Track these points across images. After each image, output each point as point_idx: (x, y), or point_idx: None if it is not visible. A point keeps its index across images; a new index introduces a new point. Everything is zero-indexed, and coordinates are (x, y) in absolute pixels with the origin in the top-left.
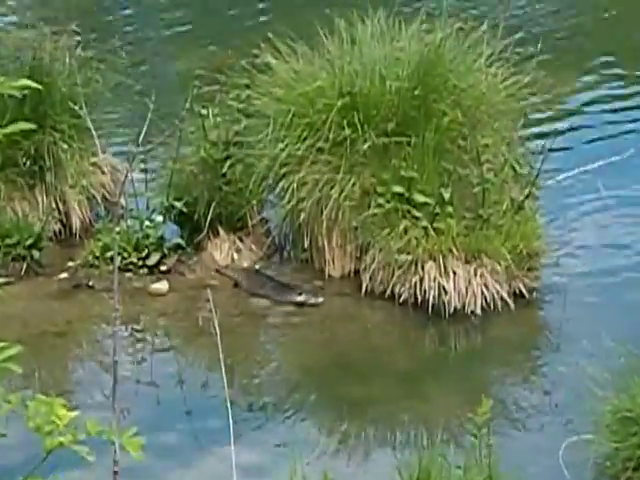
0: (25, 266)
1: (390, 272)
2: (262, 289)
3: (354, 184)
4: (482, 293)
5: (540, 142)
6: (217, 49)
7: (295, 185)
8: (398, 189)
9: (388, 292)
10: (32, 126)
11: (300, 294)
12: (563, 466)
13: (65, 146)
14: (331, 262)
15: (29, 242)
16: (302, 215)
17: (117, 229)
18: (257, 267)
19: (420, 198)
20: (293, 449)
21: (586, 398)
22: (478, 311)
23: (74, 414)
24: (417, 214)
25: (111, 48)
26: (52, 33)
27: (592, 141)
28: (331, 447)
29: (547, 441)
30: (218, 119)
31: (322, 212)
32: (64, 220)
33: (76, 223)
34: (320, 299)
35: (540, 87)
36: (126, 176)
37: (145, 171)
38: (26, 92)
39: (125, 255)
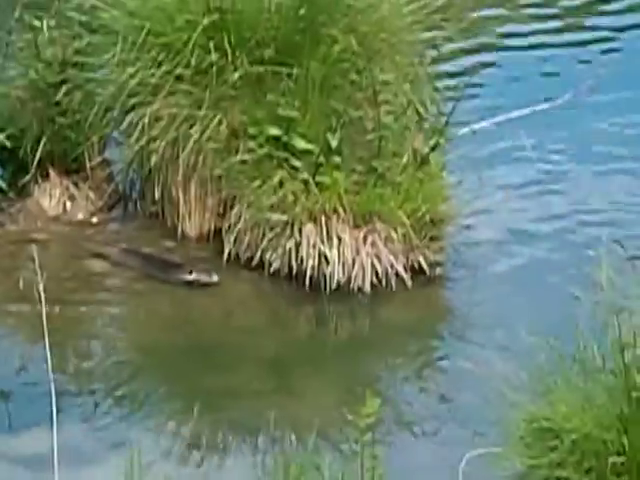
0: None
1: (260, 234)
2: (143, 267)
3: (220, 122)
4: (372, 266)
5: (452, 81)
6: None
7: (147, 120)
8: (274, 131)
9: (256, 259)
10: None
11: (190, 272)
12: None
13: None
14: (187, 218)
15: None
16: (153, 158)
17: None
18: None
19: (301, 144)
20: (130, 450)
21: (495, 402)
22: (367, 288)
23: None
24: (296, 163)
25: None
26: None
27: (516, 83)
28: (178, 449)
29: (445, 453)
30: (54, 33)
31: (178, 155)
32: None
33: None
34: (215, 277)
35: (455, 12)
36: None
37: None
38: None
39: None
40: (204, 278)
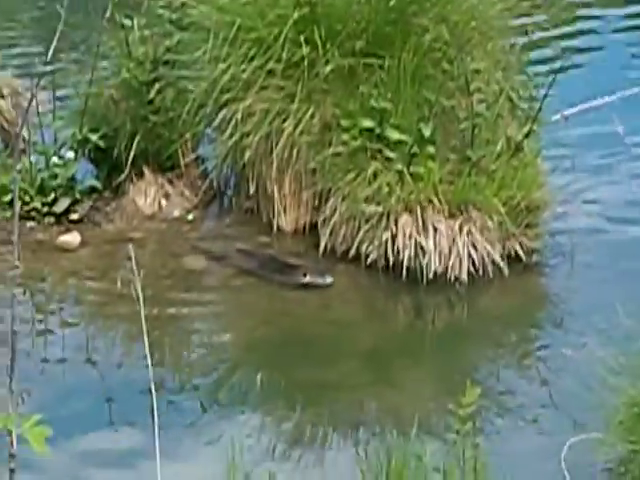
0: None
1: (355, 227)
2: (259, 269)
3: (312, 116)
4: (469, 255)
5: (544, 68)
6: None
7: (239, 116)
8: (367, 123)
9: (352, 252)
10: None
11: (305, 275)
12: (565, 471)
13: None
14: (282, 213)
15: None
16: (247, 153)
17: (17, 167)
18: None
19: (394, 135)
20: (232, 445)
21: (595, 387)
22: (464, 277)
23: None
24: (390, 155)
25: None
26: None
27: (608, 68)
28: (279, 443)
29: (546, 440)
30: (145, 32)
31: (272, 150)
32: None
33: None
34: (329, 279)
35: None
36: (30, 101)
37: (53, 95)
38: None
39: (27, 199)
40: (318, 280)
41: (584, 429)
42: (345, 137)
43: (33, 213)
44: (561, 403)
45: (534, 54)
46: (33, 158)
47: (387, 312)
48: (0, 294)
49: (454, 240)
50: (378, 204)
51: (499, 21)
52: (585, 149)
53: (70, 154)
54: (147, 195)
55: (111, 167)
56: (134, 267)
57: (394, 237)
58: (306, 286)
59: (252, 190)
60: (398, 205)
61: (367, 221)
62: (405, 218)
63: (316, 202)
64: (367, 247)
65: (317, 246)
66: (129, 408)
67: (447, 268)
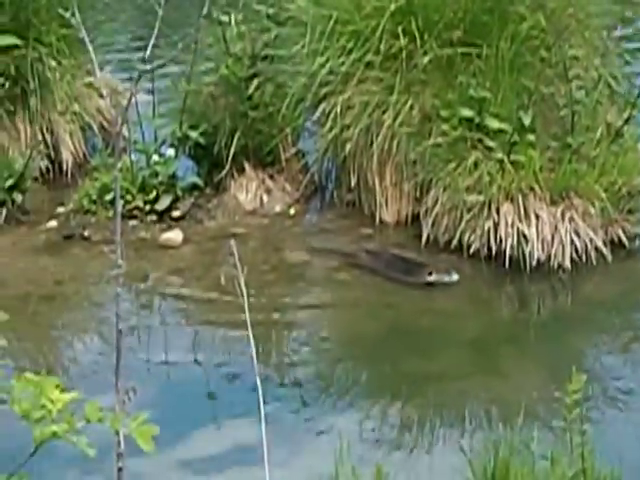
0: (5, 212)
1: (457, 217)
2: (386, 269)
3: (412, 107)
4: (572, 242)
5: None
6: None
7: (339, 109)
8: (466, 113)
9: (455, 242)
10: (14, 40)
11: (430, 273)
12: None
13: (53, 63)
14: (384, 205)
15: (9, 183)
16: (348, 146)
17: (119, 165)
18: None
19: (494, 124)
20: (340, 437)
21: None
22: (567, 264)
23: (70, 396)
24: (490, 143)
25: None
26: None
27: None
28: (386, 434)
29: None
30: (242, 28)
31: (372, 142)
32: (52, 155)
33: (67, 159)
34: (455, 277)
35: None
36: (130, 100)
37: (153, 93)
38: None
39: (129, 198)
40: (445, 278)
41: None
42: (445, 127)
43: (135, 212)
44: None
45: (633, 40)
46: (134, 157)
47: (491, 301)
48: (104, 294)
49: (556, 227)
50: (479, 193)
51: (597, 7)
52: None
53: (171, 152)
54: (248, 191)
55: (212, 164)
56: (237, 263)
57: (496, 226)
58: (432, 284)
59: (353, 183)
60: (499, 194)
61: (469, 211)
62: (507, 207)
63: (417, 193)
64: (469, 237)
65: (420, 237)
66: (235, 405)
67: (550, 255)
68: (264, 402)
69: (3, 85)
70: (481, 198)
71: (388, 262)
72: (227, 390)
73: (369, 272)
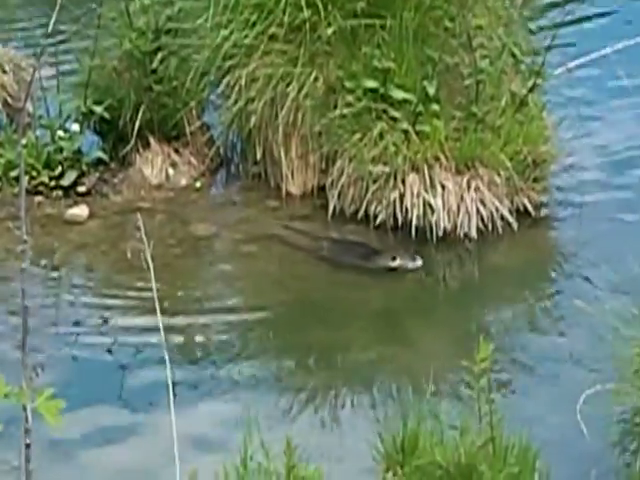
0: None
1: (363, 188)
2: (346, 256)
3: (316, 79)
4: (478, 211)
5: (546, 22)
6: None
7: (243, 81)
8: (371, 84)
9: (361, 213)
10: None
11: (394, 258)
12: (582, 423)
13: None
14: (290, 177)
15: None
16: (253, 119)
17: (23, 141)
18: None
19: (399, 94)
20: (248, 411)
21: (609, 339)
22: (473, 234)
23: None
24: (395, 114)
25: None
26: None
27: (611, 18)
28: (295, 407)
29: (561, 393)
30: (146, 1)
31: (277, 115)
32: None
33: None
34: (419, 262)
35: None
36: (33, 75)
37: (56, 68)
38: None
39: (34, 174)
40: (409, 264)
41: (599, 380)
42: (349, 98)
43: (40, 187)
44: (575, 355)
45: (535, 7)
46: (38, 132)
47: (398, 271)
48: (10, 269)
49: (462, 197)
50: (385, 164)
51: None
52: (591, 101)
53: (75, 127)
54: (154, 165)
55: (117, 138)
56: (143, 237)
57: (402, 196)
58: (395, 270)
59: (259, 155)
60: (405, 164)
61: (375, 181)
62: (412, 177)
63: (323, 165)
64: (375, 207)
65: (326, 208)
66: (144, 377)
67: (456, 225)
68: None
69: None
70: (387, 169)
71: (349, 250)
72: (136, 363)
73: (331, 263)
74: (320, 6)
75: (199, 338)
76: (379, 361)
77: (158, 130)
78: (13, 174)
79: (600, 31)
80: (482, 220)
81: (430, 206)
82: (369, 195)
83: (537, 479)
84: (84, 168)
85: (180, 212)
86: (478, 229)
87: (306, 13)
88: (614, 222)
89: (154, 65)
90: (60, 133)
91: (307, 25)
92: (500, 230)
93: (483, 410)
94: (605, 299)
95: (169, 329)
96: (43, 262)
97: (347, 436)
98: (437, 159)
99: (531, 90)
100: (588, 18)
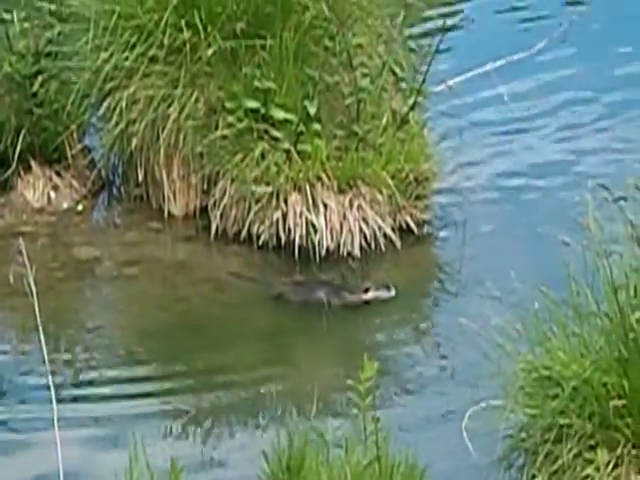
0: None
1: (246, 208)
2: (314, 294)
3: (197, 100)
4: (360, 230)
5: (426, 39)
6: None
7: (124, 104)
8: (252, 104)
9: (244, 233)
10: None
11: (366, 290)
12: (467, 440)
13: None
14: (172, 198)
15: None
16: (134, 141)
17: None
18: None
19: (280, 114)
20: (133, 431)
21: (493, 355)
22: (356, 252)
23: None
24: (277, 134)
25: None
26: None
27: (490, 36)
28: (181, 428)
29: (447, 411)
30: (25, 25)
31: (159, 136)
32: None
33: None
34: (393, 291)
35: None
36: None
37: None
38: None
39: None
40: (383, 294)
41: (484, 397)
42: (230, 119)
43: None
44: (460, 372)
45: (416, 26)
46: None
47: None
48: None
49: (345, 216)
50: (267, 184)
51: None
52: (472, 118)
53: None
54: (35, 188)
55: None
56: (26, 261)
57: (285, 216)
58: (369, 302)
59: (141, 177)
60: (287, 184)
61: (257, 202)
62: (295, 197)
63: (205, 185)
64: (258, 227)
65: (209, 229)
66: (27, 405)
67: (339, 244)
68: (57, 401)
69: None
70: (269, 189)
71: (314, 289)
72: (20, 387)
73: (299, 304)
74: (200, 27)
75: (82, 361)
76: (264, 381)
77: (39, 153)
78: None
79: (480, 48)
80: (365, 238)
81: (313, 225)
82: (252, 215)
83: None
84: None
85: (62, 235)
86: (361, 247)
87: (186, 34)
88: (496, 238)
89: (34, 88)
90: None
91: (187, 46)
92: (383, 248)
93: (369, 429)
94: (489, 315)
95: (52, 353)
96: None
97: (233, 457)
98: (319, 178)
99: (412, 108)
100: (468, 35)
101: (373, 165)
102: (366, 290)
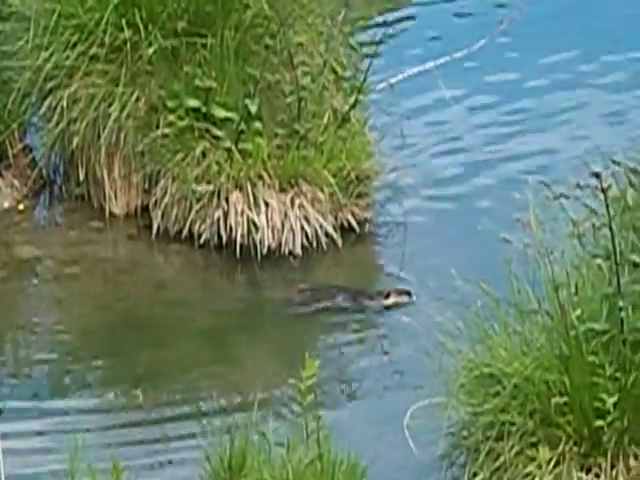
0: None
1: (187, 207)
2: (333, 300)
3: (138, 98)
4: (302, 228)
5: (367, 37)
6: None
7: (65, 103)
8: (193, 103)
9: (185, 232)
10: None
11: (388, 296)
12: (409, 437)
13: None
14: (113, 197)
15: None
16: (75, 140)
17: None
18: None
19: (221, 113)
20: (74, 433)
21: (435, 353)
22: (298, 251)
23: None
24: (218, 133)
25: None
26: None
27: (432, 34)
28: (122, 428)
29: (389, 409)
30: None
31: (100, 135)
32: None
33: None
34: (414, 297)
35: None
36: None
37: None
38: None
39: None
40: (405, 299)
41: (426, 395)
42: (171, 118)
43: None
44: (402, 370)
45: (356, 24)
46: None
47: (223, 290)
48: None
49: (286, 214)
50: (208, 183)
51: None
52: (413, 116)
53: None
54: None
55: None
56: None
57: (226, 215)
58: (390, 307)
59: (82, 176)
60: (228, 183)
61: (198, 200)
62: (236, 195)
63: (147, 184)
64: (200, 226)
65: (150, 228)
66: None
67: (280, 243)
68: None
69: None
70: (210, 187)
71: (332, 295)
72: None
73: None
74: (141, 26)
75: (26, 362)
76: (206, 380)
77: None
78: None
79: (421, 46)
80: (306, 237)
81: (254, 224)
82: (193, 214)
83: None
84: None
85: (3, 235)
86: (303, 246)
87: (127, 33)
88: (437, 236)
89: None
90: None
91: (128, 45)
92: (325, 247)
93: (310, 427)
94: (430, 313)
95: None
96: None
97: (174, 456)
98: (260, 177)
99: (353, 106)
100: (409, 34)
101: (314, 163)
102: (387, 296)
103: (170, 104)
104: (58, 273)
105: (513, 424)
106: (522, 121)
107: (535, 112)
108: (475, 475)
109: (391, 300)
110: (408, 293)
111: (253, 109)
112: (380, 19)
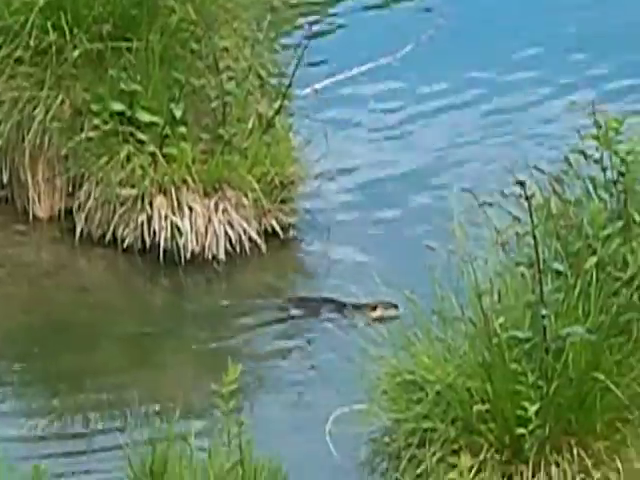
0: None
1: (110, 211)
2: (319, 312)
3: (63, 101)
4: (226, 233)
5: (293, 42)
6: None
7: None
8: (117, 106)
9: (109, 236)
10: None
11: (374, 308)
12: (330, 444)
13: None
14: (37, 200)
15: None
16: None
17: None
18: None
19: (145, 117)
20: None
21: (357, 359)
22: (221, 256)
23: None
24: (142, 137)
25: None
26: None
27: (358, 40)
28: (44, 432)
29: (311, 415)
30: None
31: (24, 138)
32: None
33: None
34: (400, 310)
35: None
36: None
37: None
38: None
39: None
40: (391, 313)
41: (348, 401)
42: (96, 121)
43: None
44: (324, 376)
45: (281, 29)
46: None
47: (146, 295)
48: None
49: (210, 219)
50: (132, 187)
51: None
52: (338, 122)
53: None
54: None
55: None
56: None
57: (150, 219)
58: (378, 320)
59: (5, 179)
60: (152, 187)
61: (122, 204)
62: (160, 200)
63: (70, 188)
64: (123, 230)
65: (73, 232)
66: None
67: (204, 247)
68: None
69: None
70: (134, 192)
71: (319, 307)
72: None
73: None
74: (66, 29)
75: None
76: (129, 384)
77: None
78: None
79: (347, 52)
80: (230, 242)
81: (178, 228)
82: (116, 218)
83: None
84: None
85: None
86: (226, 251)
87: (52, 36)
88: (361, 243)
89: None
90: None
91: (53, 48)
92: (248, 252)
93: (232, 432)
94: (353, 319)
95: None
96: None
97: (97, 461)
98: (184, 181)
99: (278, 112)
100: (335, 39)
101: (239, 168)
102: (374, 308)
103: (95, 107)
104: None
105: (435, 431)
106: (448, 128)
107: (462, 119)
108: None
109: (378, 313)
110: (395, 306)
111: (178, 113)
112: (306, 24)
